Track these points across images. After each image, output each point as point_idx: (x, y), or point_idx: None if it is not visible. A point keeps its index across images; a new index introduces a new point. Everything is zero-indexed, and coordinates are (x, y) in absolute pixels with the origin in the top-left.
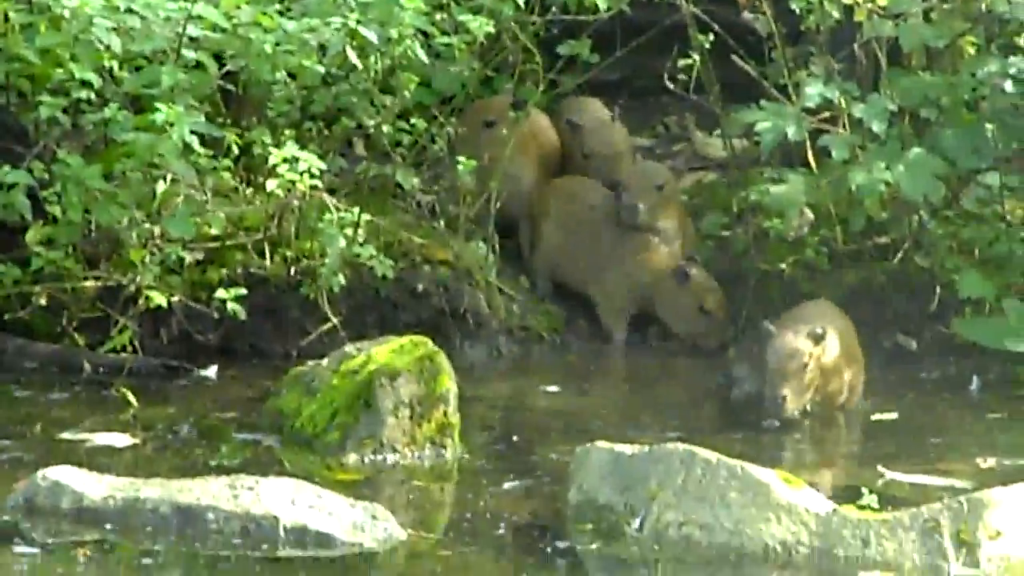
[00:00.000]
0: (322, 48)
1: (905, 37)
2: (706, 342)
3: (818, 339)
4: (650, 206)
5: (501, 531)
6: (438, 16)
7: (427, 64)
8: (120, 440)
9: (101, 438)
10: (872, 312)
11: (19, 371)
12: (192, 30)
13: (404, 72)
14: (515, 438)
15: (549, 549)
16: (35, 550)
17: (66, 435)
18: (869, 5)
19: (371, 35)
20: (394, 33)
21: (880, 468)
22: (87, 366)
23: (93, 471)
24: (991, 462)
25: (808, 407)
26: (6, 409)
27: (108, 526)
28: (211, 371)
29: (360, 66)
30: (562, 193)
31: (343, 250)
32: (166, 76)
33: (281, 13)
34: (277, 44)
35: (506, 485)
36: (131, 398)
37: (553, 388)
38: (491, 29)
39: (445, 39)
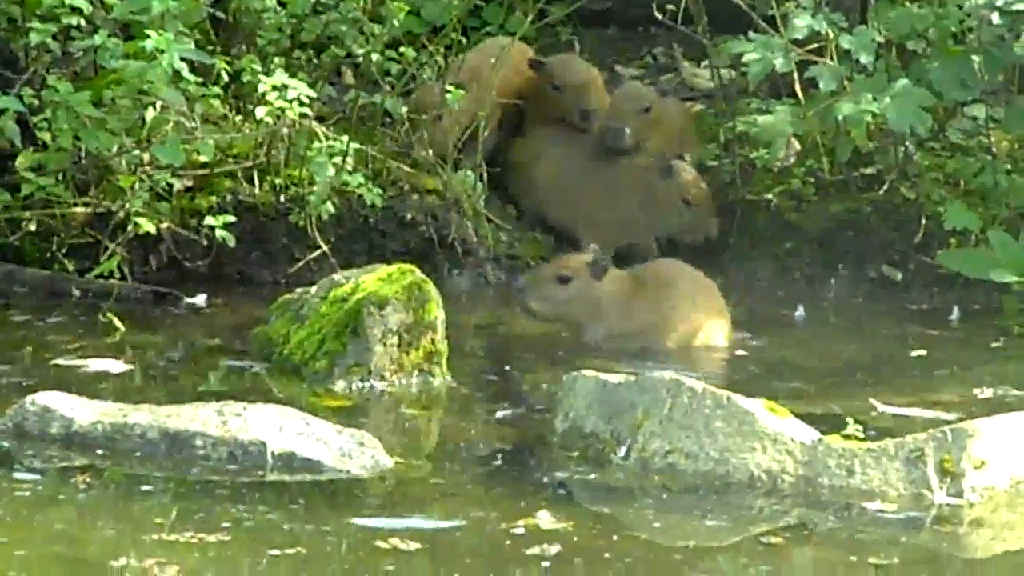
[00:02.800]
0: None
1: None
2: (692, 236)
3: (597, 268)
4: (635, 128)
5: (487, 458)
6: None
7: None
8: (115, 366)
9: (96, 364)
10: (858, 243)
11: (9, 296)
12: None
13: (393, 1)
14: (502, 366)
15: (535, 476)
16: (35, 476)
17: (61, 361)
18: None
19: None
20: None
21: (871, 400)
22: (76, 292)
23: (83, 396)
24: (978, 392)
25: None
26: (0, 334)
27: (98, 451)
28: (200, 299)
29: None
30: (550, 138)
31: (332, 178)
32: (156, 3)
33: None
34: None
35: (493, 413)
36: (118, 323)
37: None
38: None
39: None
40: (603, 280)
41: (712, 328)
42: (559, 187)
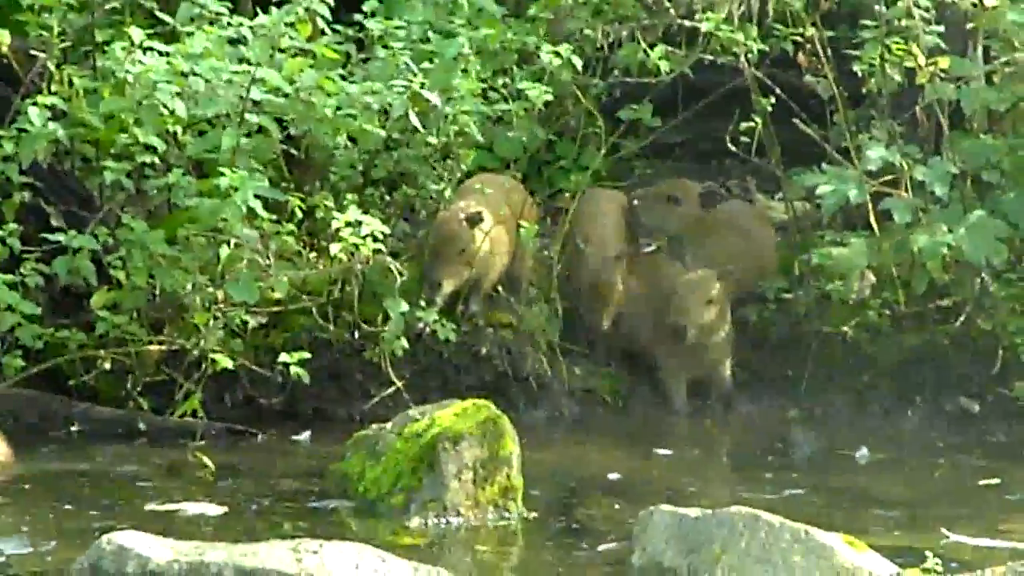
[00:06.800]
0: (384, 112)
1: (967, 100)
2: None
3: None
4: (700, 325)
5: None
6: (499, 81)
7: (489, 129)
8: (211, 509)
9: (192, 507)
10: (935, 375)
11: (86, 435)
12: (255, 94)
13: (462, 141)
14: (578, 501)
15: None
16: None
17: (154, 506)
18: (931, 68)
19: (434, 98)
20: (452, 106)
21: (944, 531)
22: (144, 428)
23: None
24: None
25: None
26: (85, 478)
27: None
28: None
29: (422, 130)
30: (638, 266)
31: (406, 314)
32: (228, 138)
33: (344, 77)
34: (339, 108)
35: (569, 548)
36: (208, 462)
37: (616, 451)
38: (550, 96)
39: (504, 105)
40: None
41: None
42: (643, 314)
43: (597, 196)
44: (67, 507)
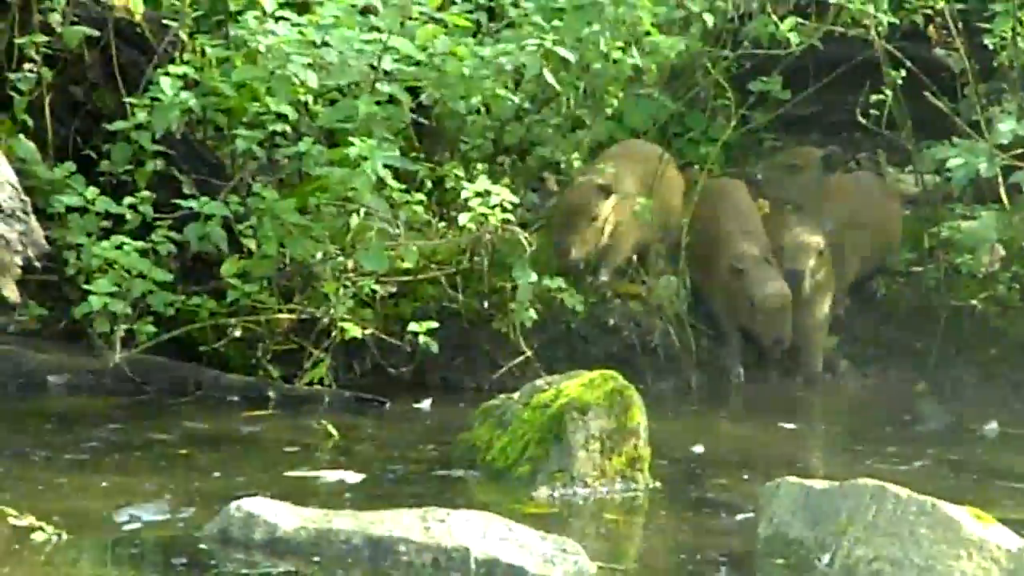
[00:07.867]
0: (517, 77)
1: None
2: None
3: None
4: (812, 270)
5: (691, 565)
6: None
7: (620, 97)
8: (351, 477)
9: (330, 475)
10: None
11: (213, 402)
12: (386, 63)
13: (604, 94)
14: (705, 471)
15: None
16: None
17: (294, 472)
18: None
19: (567, 54)
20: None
21: None
22: (281, 398)
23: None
24: None
25: None
26: (224, 444)
27: (302, 558)
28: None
29: (557, 87)
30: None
31: (534, 284)
32: (362, 107)
33: (478, 43)
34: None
35: (696, 518)
36: (332, 431)
37: (743, 421)
38: (682, 47)
39: (636, 60)
40: None
41: None
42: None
43: (733, 196)
44: (213, 474)
